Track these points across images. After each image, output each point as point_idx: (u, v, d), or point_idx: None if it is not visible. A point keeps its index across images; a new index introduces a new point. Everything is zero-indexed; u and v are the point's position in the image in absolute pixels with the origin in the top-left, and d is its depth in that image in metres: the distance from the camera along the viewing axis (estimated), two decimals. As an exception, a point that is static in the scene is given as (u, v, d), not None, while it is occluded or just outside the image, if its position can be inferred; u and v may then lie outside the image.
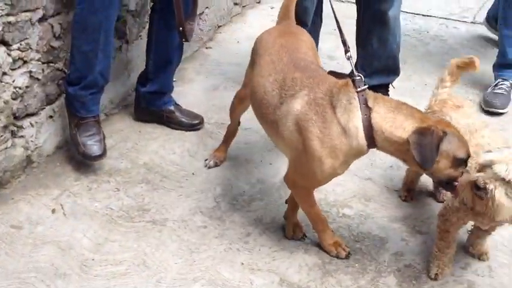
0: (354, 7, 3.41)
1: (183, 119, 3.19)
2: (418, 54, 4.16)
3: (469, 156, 2.09)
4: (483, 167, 2.02)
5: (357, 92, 2.14)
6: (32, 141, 2.80)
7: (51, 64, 2.79)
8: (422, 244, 2.51)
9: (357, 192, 2.81)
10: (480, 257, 2.42)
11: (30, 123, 2.77)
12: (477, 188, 2.00)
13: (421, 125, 2.06)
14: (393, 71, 3.41)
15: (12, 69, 2.55)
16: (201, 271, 2.35)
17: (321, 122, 2.14)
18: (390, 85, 3.46)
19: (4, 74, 2.52)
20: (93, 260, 2.39)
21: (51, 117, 2.90)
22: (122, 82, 3.41)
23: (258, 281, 2.31)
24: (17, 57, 2.56)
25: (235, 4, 4.72)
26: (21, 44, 2.55)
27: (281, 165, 2.92)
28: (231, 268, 2.37)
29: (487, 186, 1.97)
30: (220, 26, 4.49)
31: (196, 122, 3.18)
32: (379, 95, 2.19)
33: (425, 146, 2.02)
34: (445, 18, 4.79)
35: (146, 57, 3.13)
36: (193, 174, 2.90)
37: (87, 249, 2.43)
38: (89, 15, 2.60)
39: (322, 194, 2.75)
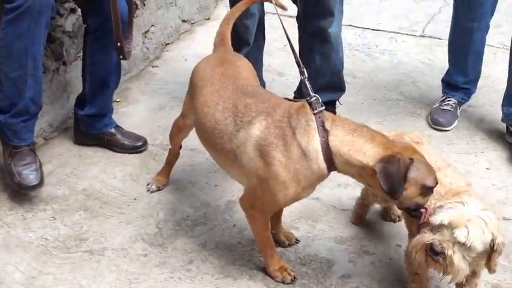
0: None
1: (125, 142, 3.08)
2: (367, 69, 4.13)
3: (436, 183, 2.03)
4: (439, 227, 1.92)
5: (314, 114, 2.07)
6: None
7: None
8: (370, 265, 2.45)
9: (304, 212, 2.73)
10: None
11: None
12: (433, 252, 1.91)
13: (384, 150, 1.99)
14: (339, 87, 3.37)
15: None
16: (140, 304, 2.24)
17: (282, 146, 2.08)
18: (337, 102, 3.40)
19: None
20: None
21: (-18, 141, 2.76)
22: (61, 105, 3.27)
23: (199, 312, 2.21)
24: None
25: (184, 21, 4.63)
26: None
27: (227, 187, 2.84)
28: (172, 299, 2.27)
29: (445, 251, 1.88)
30: (168, 43, 4.38)
31: (139, 144, 3.07)
32: (337, 116, 2.14)
33: (392, 175, 1.96)
34: (395, 32, 4.78)
35: (82, 80, 3.03)
36: (135, 199, 2.78)
37: (19, 283, 2.30)
38: (14, 40, 2.48)
39: (269, 216, 2.66)
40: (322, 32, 3.09)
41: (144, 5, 4.04)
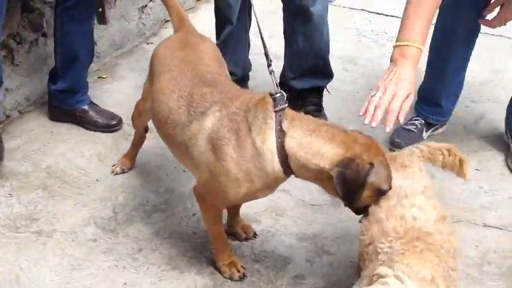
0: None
1: (98, 119, 2.97)
2: (371, 56, 3.91)
3: (391, 187, 1.85)
4: None
5: (275, 111, 1.90)
6: None
7: None
8: (327, 266, 2.29)
9: (270, 205, 2.57)
10: None
11: None
12: None
13: (344, 151, 1.81)
14: (324, 73, 3.16)
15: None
16: (78, 291, 2.14)
17: (235, 141, 1.92)
18: (325, 89, 3.20)
19: None
20: None
21: None
22: (40, 78, 3.18)
23: (136, 304, 2.10)
24: None
25: (185, -5, 4.49)
26: None
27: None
28: (111, 288, 2.16)
29: None
30: (168, 20, 4.24)
31: (113, 122, 2.96)
32: (297, 115, 1.94)
33: (350, 181, 1.79)
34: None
35: (54, 53, 2.92)
36: (97, 180, 2.68)
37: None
38: None
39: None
40: (304, 10, 2.91)
41: None
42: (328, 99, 3.38)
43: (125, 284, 2.18)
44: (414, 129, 2.96)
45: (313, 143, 1.85)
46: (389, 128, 1.86)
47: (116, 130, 2.98)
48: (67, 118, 3.02)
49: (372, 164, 1.79)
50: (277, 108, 1.90)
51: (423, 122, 2.98)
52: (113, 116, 3.01)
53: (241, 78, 3.18)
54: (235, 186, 1.95)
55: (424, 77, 2.97)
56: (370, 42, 4.11)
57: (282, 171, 1.91)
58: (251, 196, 2.04)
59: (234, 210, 2.35)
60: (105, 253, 2.30)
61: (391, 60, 1.97)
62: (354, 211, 1.94)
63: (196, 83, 2.08)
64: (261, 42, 2.06)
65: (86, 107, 2.97)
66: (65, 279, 2.18)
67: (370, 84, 3.55)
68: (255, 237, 2.39)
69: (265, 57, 2.04)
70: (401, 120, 1.90)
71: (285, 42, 3.13)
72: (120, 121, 3.00)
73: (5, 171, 2.68)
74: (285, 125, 1.88)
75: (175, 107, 2.07)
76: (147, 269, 2.24)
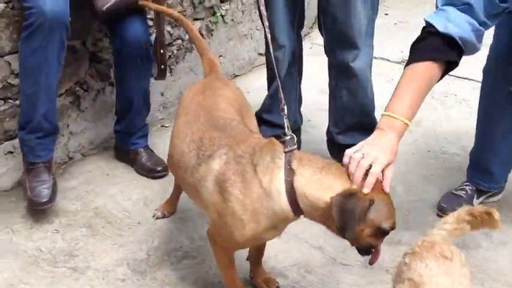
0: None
1: (146, 163, 3.11)
2: (435, 118, 3.81)
3: (393, 227, 1.85)
4: None
5: (285, 152, 1.94)
6: None
7: (9, 100, 2.83)
8: (346, 329, 2.21)
9: (300, 261, 2.55)
10: None
11: None
12: None
13: (350, 187, 1.82)
14: (369, 129, 3.10)
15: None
16: (97, 328, 2.21)
17: (241, 182, 1.96)
18: None
19: None
20: None
21: (11, 152, 2.93)
22: (104, 124, 3.39)
23: None
24: (-35, 90, 2.61)
25: (260, 54, 4.63)
26: (-36, 76, 2.61)
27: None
28: (129, 328, 2.21)
29: None
30: (238, 75, 4.40)
31: (159, 168, 3.08)
32: (306, 155, 1.97)
33: (347, 212, 1.79)
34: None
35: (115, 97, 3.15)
36: (138, 223, 2.78)
37: (-4, 289, 2.37)
38: (28, 56, 2.60)
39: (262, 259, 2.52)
40: (346, 65, 2.94)
41: (212, 35, 4.09)
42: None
43: (142, 325, 2.22)
44: (464, 195, 2.83)
45: (323, 180, 1.86)
46: (367, 189, 1.81)
47: (160, 176, 3.08)
48: (124, 158, 3.22)
49: (372, 200, 1.77)
50: (286, 149, 1.93)
51: (474, 188, 2.85)
52: (161, 162, 3.12)
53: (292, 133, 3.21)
54: (241, 227, 1.96)
55: (474, 141, 2.86)
56: (436, 103, 4.01)
57: (290, 211, 1.91)
58: (257, 238, 2.03)
59: (255, 260, 2.35)
60: (130, 293, 2.37)
61: (377, 128, 1.96)
62: (357, 249, 1.92)
63: (208, 128, 2.15)
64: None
65: (139, 149, 3.14)
66: (89, 316, 2.26)
67: (428, 147, 3.46)
68: (278, 290, 2.36)
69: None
70: (387, 189, 1.87)
71: (330, 97, 3.16)
72: (165, 168, 3.09)
73: (56, 209, 2.85)
74: (294, 164, 1.90)
75: (186, 150, 2.14)
76: (167, 312, 2.28)
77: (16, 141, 2.93)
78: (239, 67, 4.42)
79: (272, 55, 2.87)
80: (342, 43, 2.90)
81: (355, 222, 1.78)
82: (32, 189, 2.73)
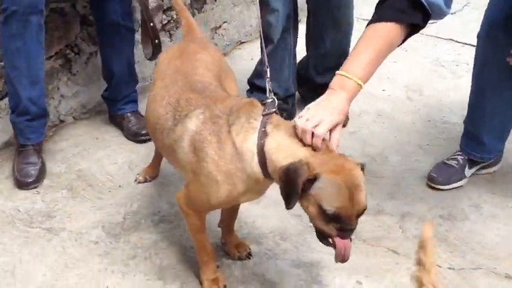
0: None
1: (133, 127, 3.08)
2: (441, 88, 3.65)
3: (339, 214, 1.70)
4: None
5: (263, 114, 1.86)
6: None
7: (-4, 62, 2.80)
8: (314, 298, 2.14)
9: (277, 228, 2.48)
10: None
11: None
12: None
13: (311, 156, 1.74)
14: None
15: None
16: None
17: (216, 143, 1.89)
18: None
19: None
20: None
21: (-3, 113, 2.93)
22: (97, 88, 3.34)
23: (110, 308, 2.11)
24: None
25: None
26: None
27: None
28: (93, 290, 2.19)
29: None
30: (244, 42, 4.31)
31: (144, 132, 3.01)
32: (284, 121, 1.88)
33: (287, 182, 1.72)
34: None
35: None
36: (119, 187, 2.75)
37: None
38: (7, 41, 2.60)
39: (238, 225, 2.46)
40: (336, 20, 3.05)
41: (216, 0, 4.00)
42: (379, 127, 3.23)
43: (107, 287, 2.20)
44: (455, 165, 2.71)
45: (290, 146, 1.77)
46: (316, 152, 1.73)
47: (145, 140, 3.02)
48: (112, 122, 3.20)
49: (316, 175, 1.68)
50: (265, 112, 1.85)
51: (466, 158, 2.72)
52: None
53: (283, 99, 3.13)
54: (216, 189, 1.90)
55: (467, 110, 2.72)
56: (446, 72, 3.86)
57: (261, 173, 1.83)
58: (234, 200, 1.96)
59: (227, 225, 2.30)
60: (100, 256, 2.34)
61: (329, 87, 1.86)
62: (317, 235, 1.82)
63: (185, 90, 2.08)
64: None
65: (126, 114, 3.11)
66: (55, 275, 2.25)
67: (430, 116, 3.33)
68: (249, 258, 2.30)
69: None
70: (334, 148, 1.77)
71: (310, 44, 3.24)
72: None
73: (41, 171, 2.84)
74: (269, 127, 1.82)
75: (163, 112, 2.09)
76: (134, 276, 2.25)
77: (2, 103, 2.92)
78: (245, 34, 4.32)
79: (264, 19, 2.82)
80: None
81: (292, 193, 1.70)
82: (20, 170, 2.73)
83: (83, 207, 2.62)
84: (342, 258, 1.78)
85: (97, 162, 2.93)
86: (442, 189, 2.68)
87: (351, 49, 3.15)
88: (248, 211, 2.55)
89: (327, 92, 1.85)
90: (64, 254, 2.36)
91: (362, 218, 2.41)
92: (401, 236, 2.43)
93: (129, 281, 2.22)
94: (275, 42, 3.03)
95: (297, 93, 3.34)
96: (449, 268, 2.27)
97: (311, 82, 3.28)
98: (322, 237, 1.78)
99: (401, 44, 1.97)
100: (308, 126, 1.73)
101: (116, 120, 3.14)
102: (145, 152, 2.99)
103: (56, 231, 2.47)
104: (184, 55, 2.26)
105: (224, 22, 4.12)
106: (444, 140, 3.09)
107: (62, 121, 3.25)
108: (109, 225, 2.51)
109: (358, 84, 1.84)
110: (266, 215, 2.55)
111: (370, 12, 2.03)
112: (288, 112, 3.16)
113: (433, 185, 2.68)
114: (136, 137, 3.04)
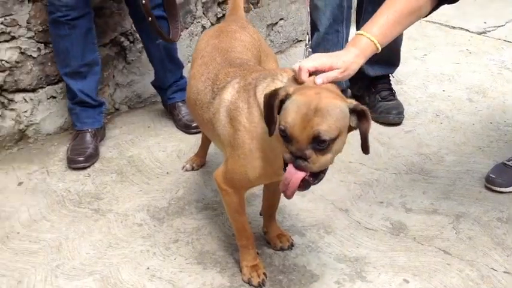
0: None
1: (183, 118, 3.08)
2: (505, 90, 3.49)
3: (285, 130, 1.60)
4: None
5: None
6: (25, 116, 2.90)
7: (50, 45, 2.87)
8: (356, 293, 2.06)
9: (322, 222, 2.41)
10: None
11: (24, 99, 2.87)
12: None
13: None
14: (393, 62, 3.26)
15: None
16: (103, 266, 2.21)
17: (246, 108, 1.86)
18: (390, 76, 3.32)
19: (-15, 44, 2.66)
20: (18, 233, 2.38)
21: (53, 97, 2.99)
22: (153, 77, 3.38)
23: (149, 289, 2.10)
24: (0, 31, 2.67)
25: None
26: (5, 19, 2.67)
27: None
28: (134, 270, 2.19)
29: None
30: (301, 40, 4.27)
31: (194, 124, 3.01)
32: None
33: (267, 106, 1.68)
34: None
35: None
36: (167, 173, 2.76)
37: (20, 223, 2.43)
38: (55, 40, 2.71)
39: (281, 217, 2.42)
40: None
41: (273, -4, 3.98)
42: (436, 127, 3.11)
43: (148, 268, 2.19)
44: None
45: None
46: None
47: (195, 132, 3.01)
48: (166, 111, 3.23)
49: (288, 95, 1.62)
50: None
51: None
52: None
53: None
54: (251, 158, 1.85)
55: None
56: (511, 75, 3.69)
57: None
58: (271, 171, 1.86)
59: (268, 213, 2.26)
60: (143, 238, 2.35)
61: (347, 46, 1.84)
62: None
63: (223, 66, 2.07)
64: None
65: (177, 104, 3.13)
66: (98, 254, 2.27)
67: (492, 118, 3.19)
68: (291, 248, 2.25)
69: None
70: (318, 82, 1.68)
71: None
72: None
73: (93, 155, 2.88)
74: (288, 82, 1.75)
75: (202, 87, 2.09)
76: (174, 259, 2.24)
77: (59, 87, 2.99)
78: (302, 32, 4.27)
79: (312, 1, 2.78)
80: None
81: (271, 114, 1.65)
82: (73, 150, 2.81)
83: (130, 191, 2.64)
84: (284, 188, 1.63)
85: (147, 149, 2.95)
86: (501, 192, 2.55)
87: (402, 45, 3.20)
88: (292, 204, 2.50)
89: (344, 49, 1.83)
90: (109, 234, 2.37)
91: (414, 217, 2.37)
92: (455, 237, 2.31)
93: (169, 264, 2.21)
94: (320, 30, 2.99)
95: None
96: (505, 272, 2.15)
97: (362, 76, 3.18)
98: (284, 165, 1.66)
99: (428, 15, 1.93)
100: (303, 64, 1.69)
101: (168, 109, 3.17)
102: (194, 141, 2.99)
103: (102, 212, 2.49)
104: (223, 34, 2.25)
105: (281, 19, 4.09)
106: (506, 143, 2.94)
107: (117, 109, 3.30)
108: (154, 209, 2.51)
109: (372, 41, 1.80)
110: (311, 209, 2.49)
111: None
112: None
113: (491, 186, 2.55)
114: (187, 129, 3.05)
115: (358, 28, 3.17)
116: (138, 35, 3.20)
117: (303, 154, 1.59)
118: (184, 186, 2.66)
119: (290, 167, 1.61)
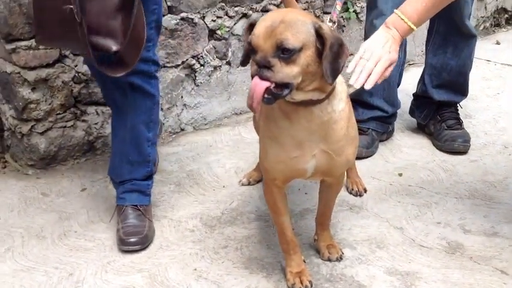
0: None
1: (121, 229, 2.38)
2: None
3: (254, 43, 1.64)
4: None
5: None
6: (96, 128, 3.04)
7: (125, 62, 3.02)
8: (403, 305, 1.98)
9: (374, 237, 2.35)
10: None
11: (96, 111, 3.02)
12: None
13: None
14: (461, 90, 3.16)
15: (75, 54, 2.85)
16: (152, 265, 2.24)
17: None
18: (458, 105, 3.21)
19: (65, 56, 2.84)
20: (75, 232, 2.47)
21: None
22: (219, 102, 3.48)
23: (194, 288, 2.10)
24: (81, 45, 2.85)
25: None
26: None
27: (315, 196, 2.62)
28: (181, 270, 2.20)
29: None
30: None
31: (133, 240, 2.32)
32: None
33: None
34: None
35: None
36: (223, 187, 2.79)
37: (78, 223, 2.52)
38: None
39: (333, 231, 2.38)
40: (459, 23, 2.96)
41: (343, 31, 4.04)
42: (504, 158, 3.00)
43: (195, 269, 2.20)
44: None
45: None
46: (369, 85, 1.84)
47: (126, 250, 2.32)
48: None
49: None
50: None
51: None
52: None
53: (391, 115, 3.17)
54: (264, 144, 1.93)
55: None
56: None
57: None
58: (286, 162, 1.88)
59: (319, 221, 2.23)
60: (194, 242, 2.37)
61: (385, 23, 1.93)
62: None
63: None
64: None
65: (126, 208, 2.45)
66: (149, 254, 2.30)
67: None
68: (339, 260, 2.19)
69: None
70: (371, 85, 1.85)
71: (430, 50, 3.14)
72: None
73: (158, 168, 2.96)
74: None
75: None
76: (222, 262, 2.24)
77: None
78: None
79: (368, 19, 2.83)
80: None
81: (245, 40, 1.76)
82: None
83: (186, 200, 2.68)
84: (250, 101, 1.63)
85: (207, 165, 3.00)
86: None
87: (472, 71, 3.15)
88: (345, 219, 2.47)
89: (383, 28, 1.93)
90: (161, 237, 2.41)
91: (473, 238, 2.27)
92: (514, 259, 2.19)
93: (216, 266, 2.21)
94: None
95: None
96: None
97: (428, 101, 3.17)
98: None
99: None
100: (370, 66, 1.85)
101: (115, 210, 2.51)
102: (252, 159, 3.02)
103: (157, 218, 2.54)
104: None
105: (350, 54, 4.11)
106: None
107: (182, 129, 3.40)
108: (207, 218, 2.54)
109: (409, 26, 1.91)
110: (364, 225, 2.44)
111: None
112: (393, 126, 3.21)
113: None
114: (121, 244, 2.33)
115: (427, 50, 3.16)
116: (208, 59, 3.32)
117: (267, 62, 1.62)
118: (239, 199, 2.67)
119: (255, 79, 1.64)
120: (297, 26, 1.64)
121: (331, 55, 1.64)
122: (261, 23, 1.68)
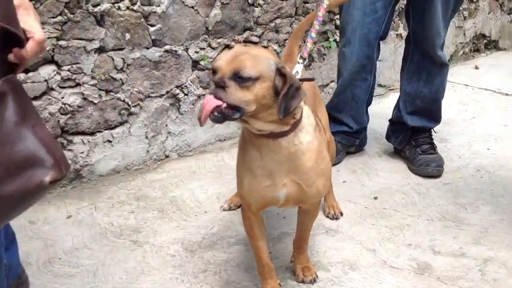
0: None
1: None
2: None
3: (214, 67, 1.75)
4: None
5: None
6: (82, 157, 3.15)
7: (111, 93, 3.14)
8: (372, 323, 2.07)
9: (347, 259, 2.45)
10: None
11: (82, 141, 3.12)
12: None
13: None
14: (434, 116, 3.30)
15: (61, 87, 2.96)
16: (132, 290, 2.33)
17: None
18: (432, 130, 3.36)
19: (52, 89, 2.95)
20: (59, 259, 2.54)
21: (109, 141, 3.23)
22: (203, 129, 3.59)
23: (172, 311, 2.19)
24: (67, 77, 2.97)
25: (380, 86, 4.59)
26: (71, 67, 2.96)
27: (294, 221, 2.72)
28: (161, 294, 2.29)
29: None
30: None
31: None
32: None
33: None
34: None
35: None
36: (205, 212, 2.89)
37: (63, 250, 2.60)
38: None
39: (310, 253, 2.46)
40: (434, 54, 3.10)
41: (324, 59, 4.17)
42: (475, 181, 3.11)
43: (174, 293, 2.29)
44: None
45: None
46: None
47: None
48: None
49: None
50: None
51: None
52: None
53: (357, 131, 3.36)
54: (239, 172, 2.05)
55: None
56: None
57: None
58: (259, 191, 1.99)
59: (296, 245, 2.31)
60: (174, 267, 2.46)
61: None
62: None
63: None
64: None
65: None
66: (130, 279, 2.39)
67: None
68: (312, 283, 2.29)
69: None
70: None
71: (404, 78, 3.28)
72: None
73: (139, 194, 3.07)
74: None
75: None
76: (201, 286, 2.33)
77: (115, 132, 3.23)
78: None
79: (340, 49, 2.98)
80: (429, 32, 3.03)
81: None
82: None
83: (168, 226, 2.78)
84: (199, 115, 1.72)
85: (190, 191, 3.10)
86: None
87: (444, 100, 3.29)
88: (321, 242, 2.56)
89: None
90: (143, 262, 2.50)
91: (441, 259, 2.37)
92: (480, 278, 2.29)
93: (194, 290, 2.30)
94: (343, 77, 3.15)
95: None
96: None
97: (402, 126, 3.31)
98: None
99: None
100: None
101: None
102: (234, 185, 3.06)
103: (140, 244, 2.63)
104: None
105: (331, 81, 4.25)
106: (547, 196, 2.90)
107: (167, 156, 3.50)
108: (188, 243, 2.63)
109: None
110: (339, 247, 2.53)
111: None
112: (360, 141, 3.38)
113: None
114: None
115: (401, 78, 3.30)
116: (192, 88, 3.44)
117: (223, 82, 1.72)
118: (220, 224, 2.77)
119: (208, 96, 1.74)
120: (258, 59, 1.76)
121: (288, 94, 1.75)
122: (227, 51, 1.83)
